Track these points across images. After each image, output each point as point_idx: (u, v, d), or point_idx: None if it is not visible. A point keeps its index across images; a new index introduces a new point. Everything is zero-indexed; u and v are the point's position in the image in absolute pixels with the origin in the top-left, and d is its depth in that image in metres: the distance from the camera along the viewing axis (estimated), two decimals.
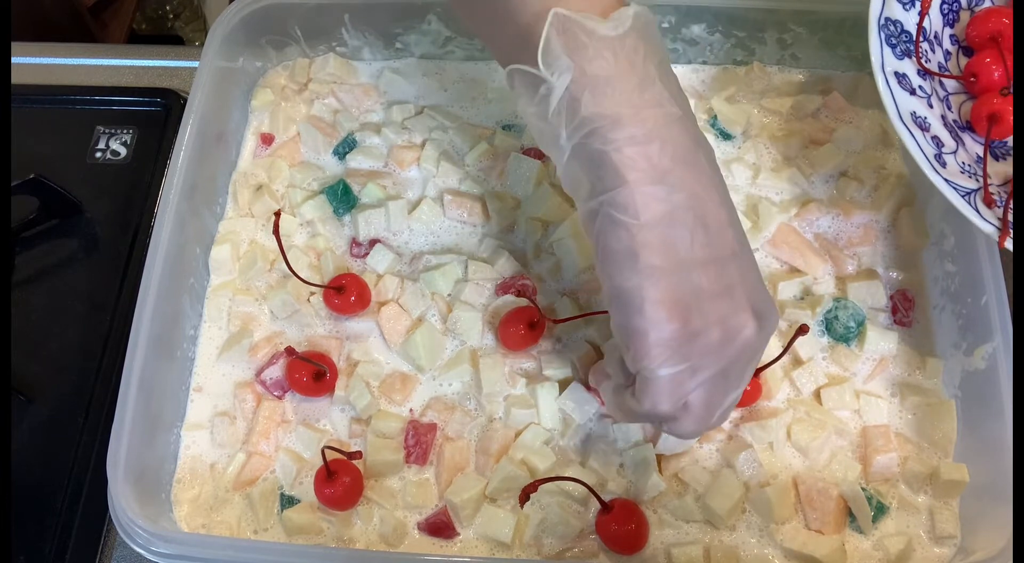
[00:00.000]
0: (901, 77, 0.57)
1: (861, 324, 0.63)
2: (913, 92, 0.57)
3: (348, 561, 0.55)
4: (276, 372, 0.64)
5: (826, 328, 0.64)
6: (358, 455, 0.57)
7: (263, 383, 0.64)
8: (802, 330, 0.57)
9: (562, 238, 0.66)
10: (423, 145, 0.72)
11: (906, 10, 0.58)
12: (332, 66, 0.76)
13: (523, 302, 0.64)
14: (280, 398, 0.63)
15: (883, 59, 0.57)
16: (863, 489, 0.58)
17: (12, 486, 0.63)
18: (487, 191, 0.70)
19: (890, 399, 0.62)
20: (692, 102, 0.72)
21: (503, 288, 0.66)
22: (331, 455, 0.57)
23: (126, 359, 0.58)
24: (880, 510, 0.57)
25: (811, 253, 0.66)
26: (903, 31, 0.58)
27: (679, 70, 0.76)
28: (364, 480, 0.59)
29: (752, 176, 0.69)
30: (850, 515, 0.58)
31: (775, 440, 0.60)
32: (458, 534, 0.58)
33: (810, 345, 0.63)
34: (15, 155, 0.66)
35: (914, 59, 0.58)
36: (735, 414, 0.61)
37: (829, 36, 0.72)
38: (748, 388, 0.59)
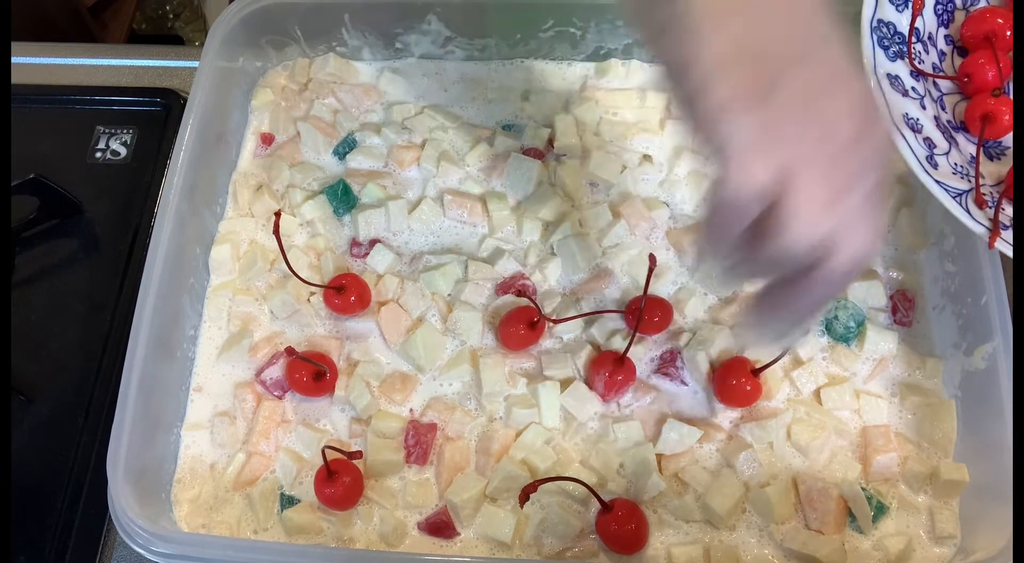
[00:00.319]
0: (894, 79, 0.57)
1: (861, 324, 0.63)
2: (906, 93, 0.57)
3: (348, 561, 0.55)
4: (276, 372, 0.64)
5: (826, 328, 0.64)
6: (358, 455, 0.57)
7: (263, 383, 0.64)
8: None
9: (562, 238, 0.66)
10: (423, 145, 0.72)
11: (899, 11, 0.58)
12: (332, 66, 0.76)
13: (523, 302, 0.64)
14: (280, 398, 0.63)
15: (875, 61, 0.57)
16: (863, 489, 0.58)
17: (12, 486, 0.63)
18: (487, 191, 0.70)
19: (890, 399, 0.62)
20: None
21: (503, 288, 0.66)
22: (331, 455, 0.57)
23: (126, 359, 0.58)
24: (880, 510, 0.57)
25: None
26: (896, 32, 0.58)
27: None
28: (364, 480, 0.59)
29: None
30: (850, 515, 0.58)
31: (775, 440, 0.59)
32: (458, 534, 0.58)
33: (810, 345, 0.63)
34: (15, 155, 0.66)
35: (907, 60, 0.58)
36: (735, 414, 0.61)
37: None
38: (749, 389, 0.60)
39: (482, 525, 0.58)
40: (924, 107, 0.57)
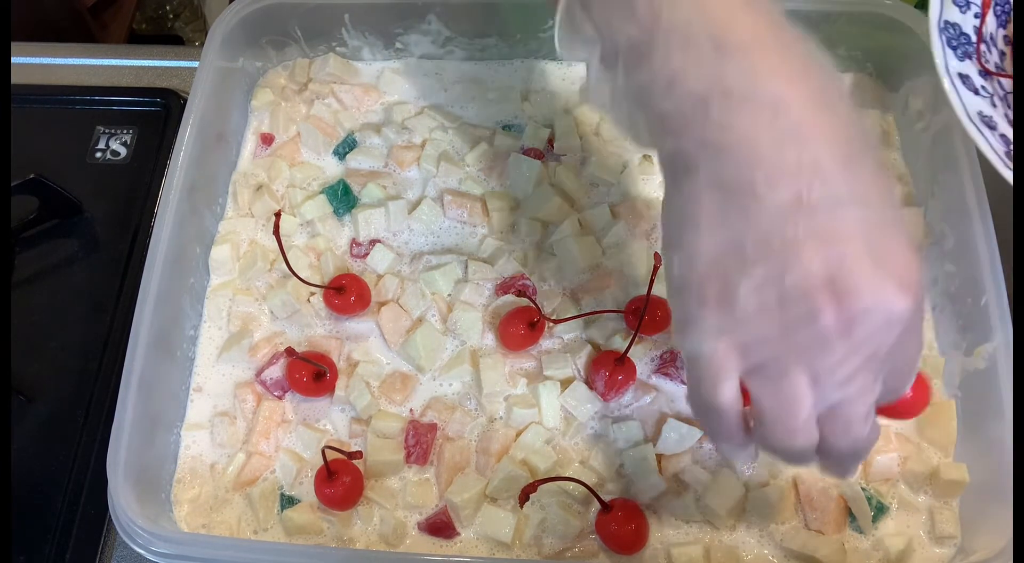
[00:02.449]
0: (964, 78, 0.58)
1: None
2: (977, 92, 0.58)
3: (348, 561, 0.55)
4: (276, 372, 0.64)
5: None
6: (358, 455, 0.57)
7: (263, 383, 0.64)
8: None
9: (562, 238, 0.66)
10: (423, 145, 0.72)
11: (963, 12, 0.60)
12: (332, 66, 0.76)
13: (523, 302, 0.64)
14: (280, 398, 0.63)
15: (946, 61, 0.58)
16: (863, 489, 0.58)
17: (12, 486, 0.63)
18: (487, 191, 0.70)
19: None
20: None
21: (503, 288, 0.66)
22: (331, 455, 0.56)
23: (126, 359, 0.58)
24: (880, 510, 0.57)
25: None
26: (961, 33, 0.59)
27: None
28: (364, 480, 0.59)
29: None
30: (850, 515, 0.58)
31: None
32: (458, 534, 0.58)
33: None
34: (15, 155, 0.66)
35: (975, 60, 0.59)
36: None
37: (829, 36, 0.72)
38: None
39: (482, 525, 0.58)
40: (995, 105, 0.58)
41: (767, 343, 0.38)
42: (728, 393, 0.40)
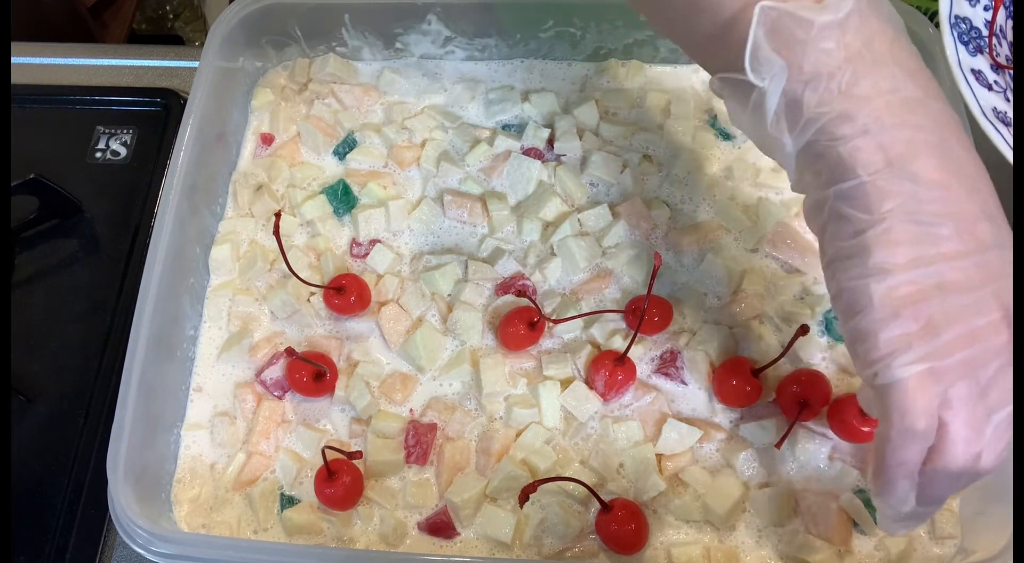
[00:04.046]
0: (977, 73, 0.57)
1: None
2: (990, 88, 0.57)
3: (348, 561, 0.55)
4: (276, 372, 0.64)
5: (826, 328, 0.64)
6: (358, 455, 0.57)
7: (263, 383, 0.64)
8: (802, 330, 0.57)
9: (562, 238, 0.66)
10: (423, 145, 0.72)
11: (972, 6, 0.58)
12: (332, 66, 0.76)
13: (523, 302, 0.64)
14: (280, 398, 0.63)
15: (959, 57, 0.56)
16: (862, 491, 0.58)
17: (12, 486, 0.63)
18: (487, 191, 0.70)
19: None
20: (691, 103, 0.73)
21: (503, 288, 0.66)
22: (331, 455, 0.57)
23: (126, 359, 0.58)
24: None
25: (811, 253, 0.66)
26: (972, 27, 0.58)
27: (680, 70, 0.76)
28: (364, 480, 0.59)
29: (752, 176, 0.69)
30: (854, 523, 0.58)
31: (775, 440, 0.59)
32: (458, 534, 0.58)
33: (810, 345, 0.63)
34: (15, 155, 0.66)
35: (987, 54, 0.58)
36: (735, 414, 0.61)
37: None
38: (749, 389, 0.60)
39: (482, 525, 0.58)
40: (1008, 99, 0.57)
41: (961, 369, 0.40)
42: (930, 416, 0.41)
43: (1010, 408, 0.41)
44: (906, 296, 0.40)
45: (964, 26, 0.58)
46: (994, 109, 0.55)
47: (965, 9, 0.58)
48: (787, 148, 0.44)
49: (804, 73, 0.41)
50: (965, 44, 0.57)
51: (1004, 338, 0.40)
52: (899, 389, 0.41)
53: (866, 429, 0.57)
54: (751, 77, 0.43)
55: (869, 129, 0.41)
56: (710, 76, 0.47)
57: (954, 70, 0.56)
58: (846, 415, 0.58)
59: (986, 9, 0.59)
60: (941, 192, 0.41)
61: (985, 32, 0.58)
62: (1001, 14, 0.60)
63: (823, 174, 0.43)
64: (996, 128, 0.54)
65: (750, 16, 0.42)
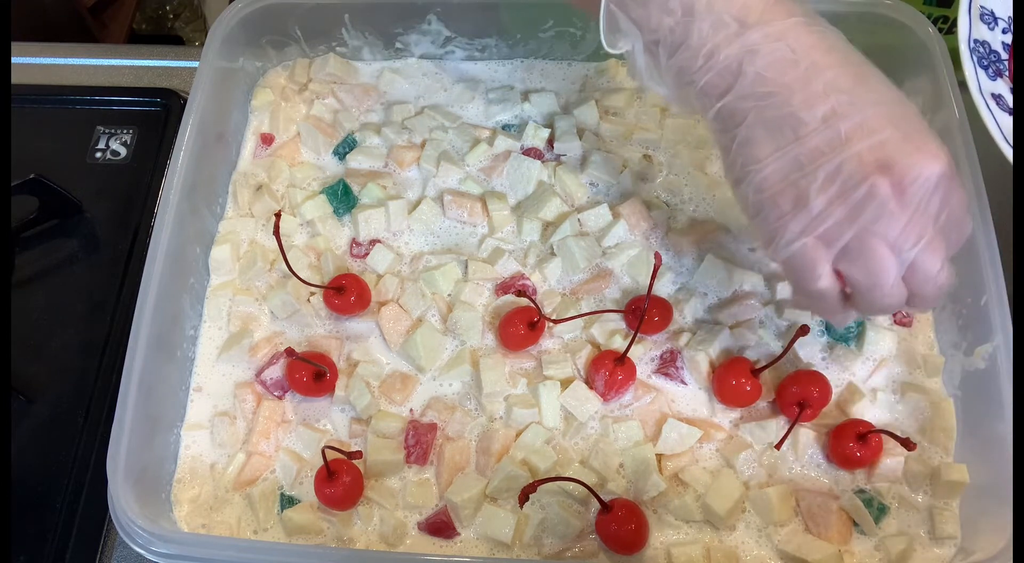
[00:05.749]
0: (997, 98, 0.56)
1: (861, 324, 0.63)
2: (1011, 112, 0.56)
3: (348, 561, 0.56)
4: (276, 372, 0.64)
5: (826, 328, 0.64)
6: (358, 455, 0.57)
7: (263, 383, 0.64)
8: (802, 330, 0.57)
9: (562, 238, 0.66)
10: (423, 145, 0.72)
11: (990, 30, 0.58)
12: (332, 66, 0.76)
13: (523, 302, 0.64)
14: (280, 398, 0.63)
15: (979, 82, 0.56)
16: (862, 490, 0.58)
17: (12, 486, 0.63)
18: (487, 191, 0.70)
19: (890, 399, 0.62)
20: None
21: (503, 288, 0.66)
22: (331, 455, 0.56)
23: (126, 359, 0.58)
24: (881, 511, 0.57)
25: None
26: (991, 51, 0.57)
27: None
28: (364, 480, 0.59)
29: None
30: (854, 522, 0.58)
31: (775, 440, 0.59)
32: (458, 534, 0.58)
33: (810, 345, 0.63)
34: (15, 155, 0.66)
35: (1007, 78, 0.57)
36: (735, 414, 0.61)
37: None
38: (749, 389, 0.60)
39: (482, 525, 0.58)
40: None
41: (843, 227, 0.46)
42: (825, 278, 0.48)
43: (920, 247, 0.46)
44: (773, 183, 0.48)
45: (983, 50, 0.57)
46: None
47: (984, 33, 0.57)
48: (666, 94, 0.53)
49: (653, 31, 0.50)
50: (985, 68, 0.56)
51: (875, 181, 0.45)
52: (789, 264, 0.49)
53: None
54: (607, 47, 0.53)
55: (712, 65, 0.48)
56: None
57: (975, 96, 0.56)
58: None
59: (1004, 32, 0.58)
60: (778, 88, 0.47)
61: (1004, 55, 0.57)
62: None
63: (697, 111, 0.52)
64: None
65: None
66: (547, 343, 0.64)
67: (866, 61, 0.49)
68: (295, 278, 0.63)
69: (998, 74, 0.57)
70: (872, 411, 0.61)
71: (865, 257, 0.47)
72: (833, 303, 0.50)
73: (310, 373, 0.62)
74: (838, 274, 0.49)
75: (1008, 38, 0.58)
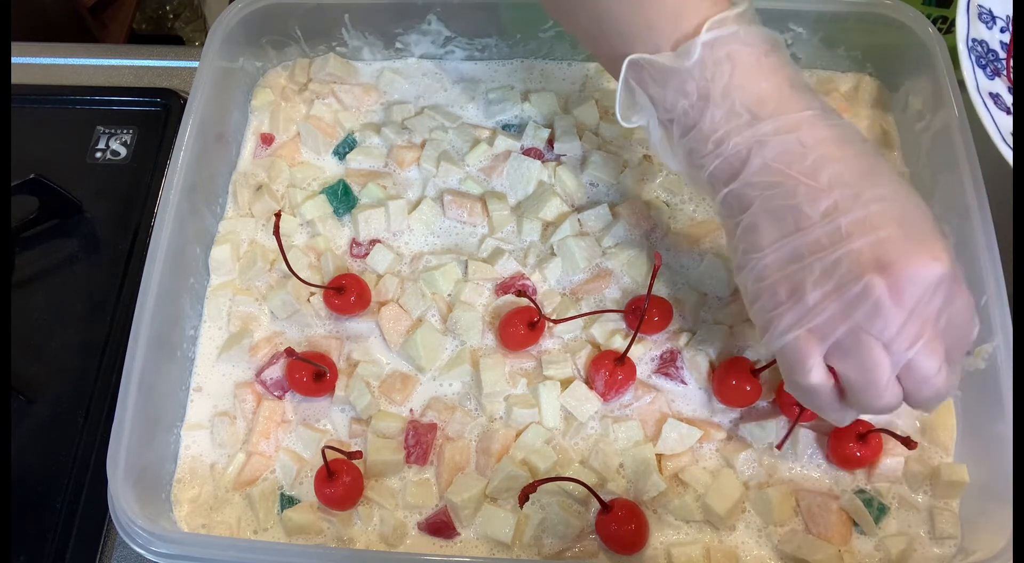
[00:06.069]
0: (995, 97, 0.56)
1: None
2: (1008, 111, 0.56)
3: (348, 561, 0.56)
4: (276, 372, 0.64)
5: None
6: (358, 455, 0.57)
7: (263, 383, 0.64)
8: None
9: (562, 238, 0.66)
10: (423, 145, 0.72)
11: (988, 28, 0.58)
12: (332, 66, 0.76)
13: (523, 302, 0.64)
14: (280, 398, 0.63)
15: (977, 82, 0.56)
16: (863, 490, 0.58)
17: (12, 486, 0.63)
18: (487, 191, 0.70)
19: None
20: None
21: (503, 288, 0.66)
22: (331, 455, 0.57)
23: (126, 359, 0.58)
24: (881, 511, 0.57)
25: None
26: (989, 50, 0.57)
27: None
28: (364, 480, 0.59)
29: None
30: (854, 522, 0.58)
31: (775, 440, 0.59)
32: (458, 534, 0.58)
33: None
34: (15, 155, 0.66)
35: (1004, 77, 0.57)
36: (735, 414, 0.61)
37: (829, 36, 0.72)
38: (749, 389, 0.60)
39: (482, 525, 0.58)
40: None
41: (836, 322, 0.46)
42: (817, 373, 0.47)
43: (916, 349, 0.45)
44: (772, 273, 0.48)
45: (981, 49, 0.57)
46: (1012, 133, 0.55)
47: (982, 32, 0.57)
48: (678, 170, 0.54)
49: (668, 111, 0.51)
50: (983, 67, 0.56)
51: (872, 282, 0.44)
52: (781, 355, 0.49)
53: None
54: (621, 122, 0.54)
55: (721, 152, 0.49)
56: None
57: (972, 95, 0.55)
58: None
59: (1003, 31, 0.58)
60: (784, 179, 0.47)
61: (1002, 55, 0.57)
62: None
63: (706, 190, 0.52)
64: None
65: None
66: (547, 343, 0.64)
67: (878, 154, 0.49)
68: (295, 278, 0.63)
69: (996, 73, 0.57)
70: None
71: (857, 355, 0.46)
72: (827, 399, 0.49)
73: (310, 373, 0.62)
74: (832, 371, 0.48)
75: (1006, 37, 0.58)
